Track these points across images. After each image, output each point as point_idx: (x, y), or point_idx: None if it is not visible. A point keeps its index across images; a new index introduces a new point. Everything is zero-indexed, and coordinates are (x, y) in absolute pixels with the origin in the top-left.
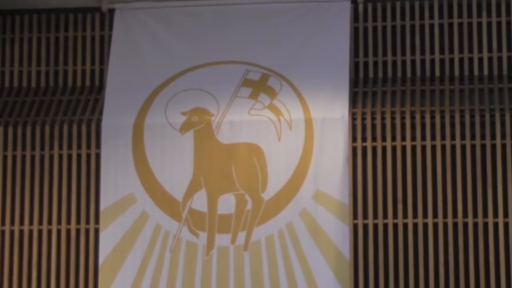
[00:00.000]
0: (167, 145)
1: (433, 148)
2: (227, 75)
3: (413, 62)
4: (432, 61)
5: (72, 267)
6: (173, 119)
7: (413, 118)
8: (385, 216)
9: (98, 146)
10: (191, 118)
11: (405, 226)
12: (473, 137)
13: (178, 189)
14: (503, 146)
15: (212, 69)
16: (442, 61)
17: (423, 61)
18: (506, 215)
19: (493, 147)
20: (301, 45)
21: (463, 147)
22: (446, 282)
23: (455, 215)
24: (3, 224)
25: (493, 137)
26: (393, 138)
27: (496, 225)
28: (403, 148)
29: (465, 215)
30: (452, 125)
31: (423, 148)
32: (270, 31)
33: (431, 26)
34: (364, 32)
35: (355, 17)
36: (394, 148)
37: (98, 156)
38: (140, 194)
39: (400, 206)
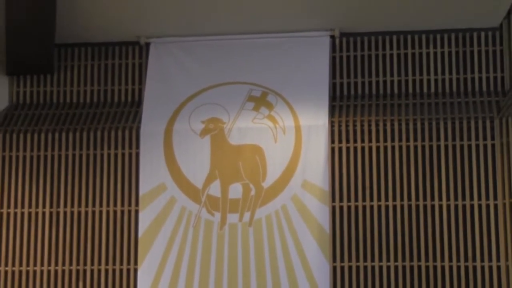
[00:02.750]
0: (190, 146)
1: (393, 148)
2: (236, 93)
3: (377, 82)
4: (392, 82)
5: (118, 240)
6: (195, 126)
7: (377, 125)
8: (356, 199)
9: (137, 147)
10: (209, 126)
11: (371, 207)
12: (423, 139)
13: (198, 180)
14: (446, 146)
15: (224, 88)
16: (399, 81)
17: (385, 82)
18: (448, 199)
19: (438, 147)
20: (292, 70)
21: (415, 147)
22: (403, 251)
23: (409, 198)
24: (65, 206)
25: (438, 139)
26: (362, 141)
27: (440, 206)
28: (370, 148)
29: (417, 198)
30: (407, 131)
31: (385, 148)
32: (268, 59)
33: (391, 55)
34: (340, 59)
35: (333, 48)
36: (363, 148)
37: (137, 154)
38: (169, 183)
39: (367, 192)
